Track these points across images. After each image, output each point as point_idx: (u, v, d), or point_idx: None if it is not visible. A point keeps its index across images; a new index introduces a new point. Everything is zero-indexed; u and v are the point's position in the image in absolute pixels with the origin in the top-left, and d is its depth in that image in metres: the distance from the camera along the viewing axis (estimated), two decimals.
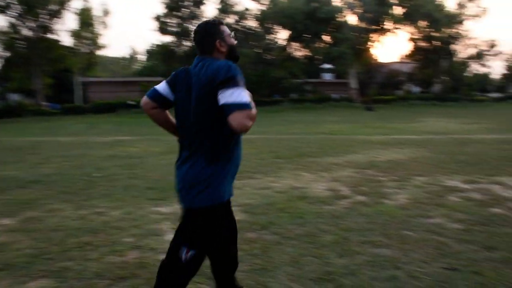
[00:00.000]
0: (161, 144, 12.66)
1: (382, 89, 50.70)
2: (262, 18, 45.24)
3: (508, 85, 67.40)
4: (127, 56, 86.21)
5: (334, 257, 3.55)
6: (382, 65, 53.62)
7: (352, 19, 46.04)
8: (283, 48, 47.76)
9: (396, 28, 47.20)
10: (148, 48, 54.12)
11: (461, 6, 51.22)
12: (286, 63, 46.51)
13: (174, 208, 5.24)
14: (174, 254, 2.26)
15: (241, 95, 2.01)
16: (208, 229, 2.21)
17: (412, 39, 52.43)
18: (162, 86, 2.37)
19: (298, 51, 49.05)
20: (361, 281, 3.10)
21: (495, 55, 55.21)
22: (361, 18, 45.05)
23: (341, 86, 49.56)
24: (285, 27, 44.94)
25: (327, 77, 52.93)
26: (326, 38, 45.87)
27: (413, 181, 6.64)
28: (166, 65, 45.76)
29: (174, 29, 43.69)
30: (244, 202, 5.47)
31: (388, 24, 45.85)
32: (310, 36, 45.18)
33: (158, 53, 46.78)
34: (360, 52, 45.17)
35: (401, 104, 44.34)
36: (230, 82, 2.03)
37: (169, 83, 2.34)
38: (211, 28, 2.30)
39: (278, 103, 42.24)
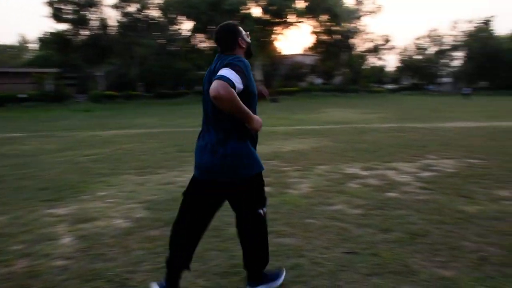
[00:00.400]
0: (57, 141, 11.90)
1: (286, 80, 52.24)
2: (165, 7, 44.29)
3: (401, 77, 72.98)
4: (16, 44, 79.67)
5: (239, 250, 3.54)
6: (286, 57, 55.22)
7: (256, 11, 46.81)
8: (187, 39, 47.21)
9: (299, 22, 48.81)
10: (41, 36, 50.46)
11: (359, 2, 54.34)
12: (190, 54, 46.05)
13: (71, 209, 4.94)
14: (250, 217, 2.71)
15: (227, 72, 2.32)
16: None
17: (314, 32, 54.66)
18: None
19: (203, 42, 48.80)
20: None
21: (389, 49, 59.56)
22: (265, 10, 45.90)
23: None
24: (189, 17, 44.40)
25: None
26: None
27: (316, 170, 6.90)
28: (61, 54, 43.06)
29: (70, 17, 41.18)
30: (146, 199, 5.30)
31: (291, 17, 47.25)
32: (214, 27, 45.09)
33: (52, 42, 43.76)
34: (265, 44, 46.04)
35: (305, 95, 46.08)
36: (228, 65, 2.38)
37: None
38: (233, 28, 2.66)
39: (182, 95, 41.77)
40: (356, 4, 54.20)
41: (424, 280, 3.00)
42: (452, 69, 68.83)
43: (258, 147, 2.76)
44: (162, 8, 44.44)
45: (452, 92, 60.58)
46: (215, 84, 2.23)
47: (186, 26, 46.97)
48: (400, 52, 68.71)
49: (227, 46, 2.60)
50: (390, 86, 67.30)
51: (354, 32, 54.64)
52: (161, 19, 44.60)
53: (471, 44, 62.80)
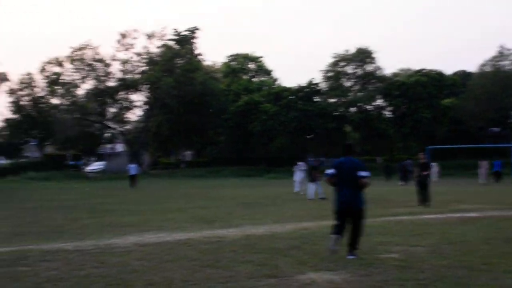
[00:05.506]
0: None
1: None
2: None
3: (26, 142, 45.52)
4: None
5: None
6: None
7: None
8: None
9: None
10: None
11: None
12: None
13: None
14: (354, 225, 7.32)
15: (366, 173, 7.34)
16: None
17: None
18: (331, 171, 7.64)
19: None
20: None
21: None
22: None
23: None
24: None
25: None
26: None
27: None
28: None
29: None
30: None
31: None
32: None
33: None
34: None
35: None
36: (362, 168, 7.42)
37: (335, 167, 7.58)
38: (354, 147, 8.86)
39: None
40: None
41: None
42: (126, 127, 44.62)
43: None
44: None
45: (121, 171, 36.25)
46: (366, 180, 7.22)
47: None
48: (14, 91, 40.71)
49: (349, 153, 7.59)
50: None
51: None
52: None
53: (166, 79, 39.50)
